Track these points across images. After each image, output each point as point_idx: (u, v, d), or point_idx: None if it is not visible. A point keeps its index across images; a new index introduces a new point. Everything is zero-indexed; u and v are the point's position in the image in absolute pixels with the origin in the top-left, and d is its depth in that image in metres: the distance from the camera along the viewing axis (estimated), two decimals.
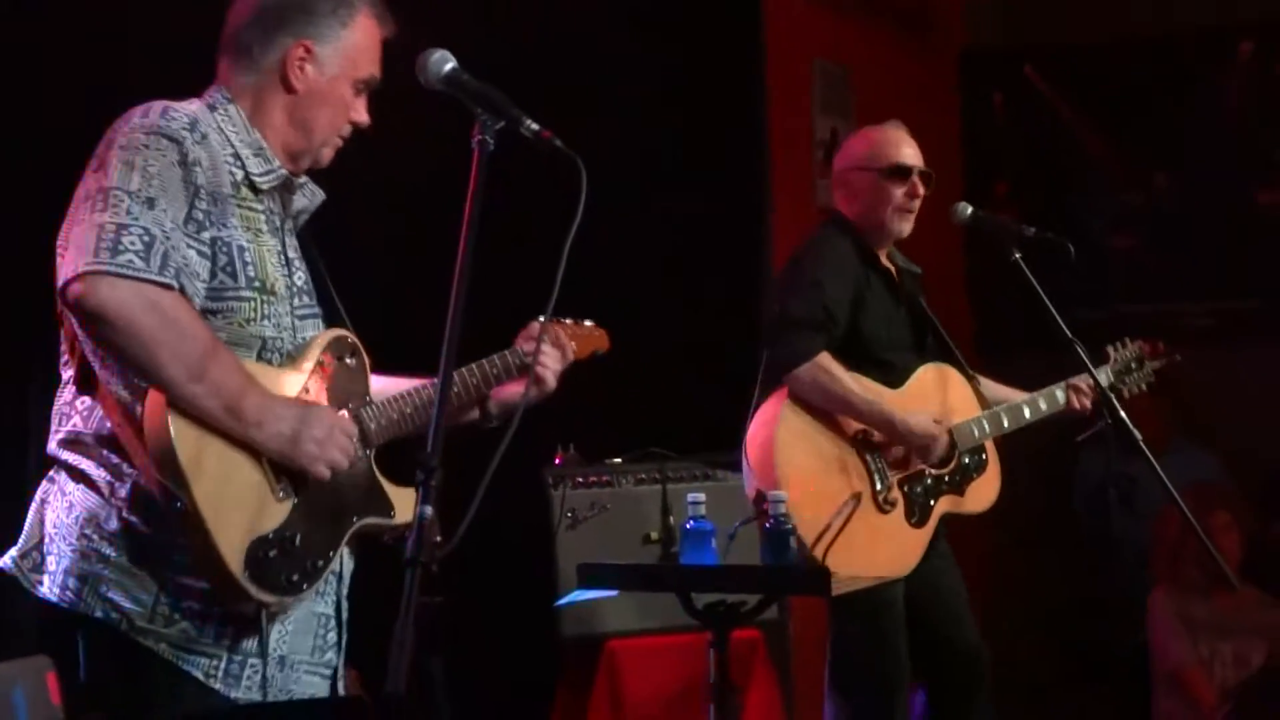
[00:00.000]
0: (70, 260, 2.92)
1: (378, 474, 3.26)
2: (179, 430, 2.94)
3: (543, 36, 6.01)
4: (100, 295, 2.89)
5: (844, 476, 4.69)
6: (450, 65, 3.02)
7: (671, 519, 5.39)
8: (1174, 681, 6.47)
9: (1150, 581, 6.70)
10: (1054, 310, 4.71)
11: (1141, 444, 4.57)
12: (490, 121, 2.92)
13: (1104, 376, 5.02)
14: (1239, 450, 7.51)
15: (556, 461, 5.55)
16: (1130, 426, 4.63)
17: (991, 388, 5.14)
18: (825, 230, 4.99)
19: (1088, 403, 5.03)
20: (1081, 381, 5.02)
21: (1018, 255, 4.79)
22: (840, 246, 4.89)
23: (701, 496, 4.32)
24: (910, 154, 4.96)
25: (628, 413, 6.15)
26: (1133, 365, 5.23)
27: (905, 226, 4.95)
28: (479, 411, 3.51)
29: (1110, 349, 5.21)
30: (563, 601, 5.26)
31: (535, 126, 2.98)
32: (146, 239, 2.93)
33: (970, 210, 4.90)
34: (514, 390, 3.47)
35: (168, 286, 2.94)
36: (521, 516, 5.33)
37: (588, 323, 3.78)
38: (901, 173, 4.91)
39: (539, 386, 3.42)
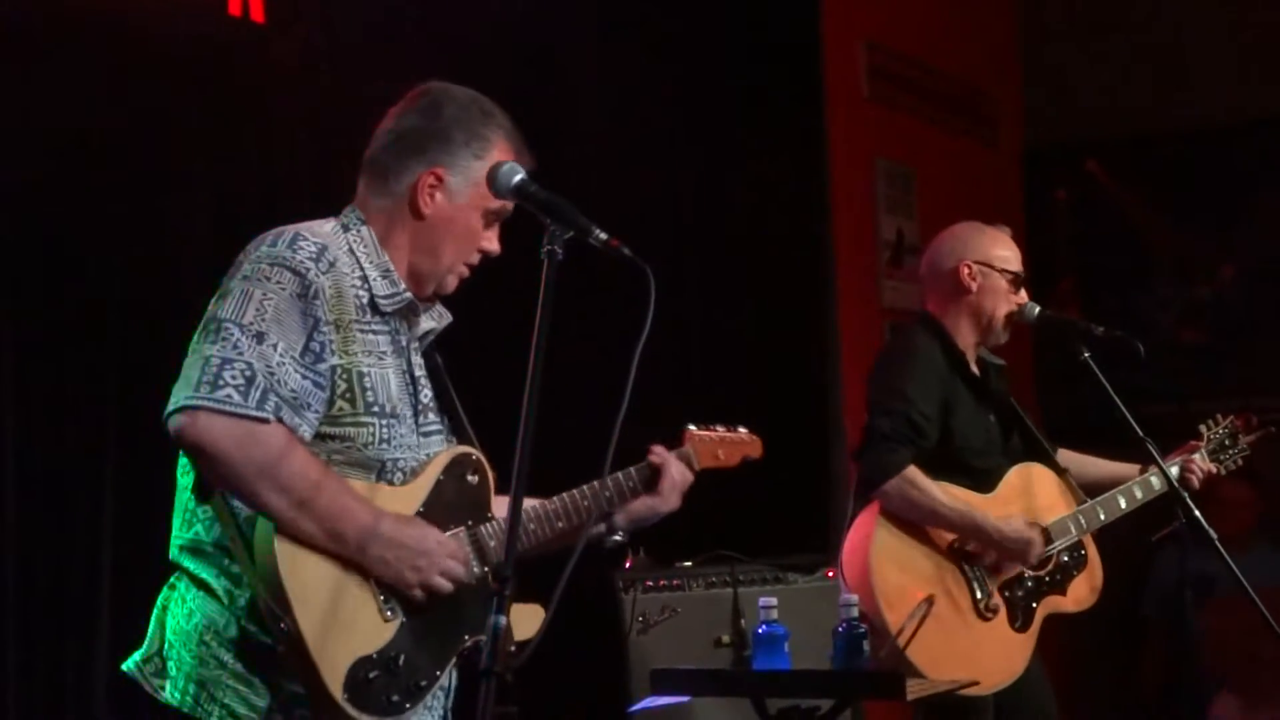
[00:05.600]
0: (175, 391, 2.99)
1: None
2: (284, 553, 2.99)
3: (601, 144, 6.05)
4: (197, 429, 2.96)
5: (942, 589, 4.63)
6: (519, 176, 3.08)
7: (743, 622, 5.36)
8: None
9: (1219, 682, 6.60)
10: (1124, 408, 4.68)
11: (1217, 543, 4.53)
12: (559, 231, 2.95)
13: (1199, 459, 4.99)
14: None
15: (627, 565, 5.54)
16: (1205, 525, 4.59)
17: (1086, 463, 5.09)
18: (914, 332, 4.94)
19: (1197, 478, 4.98)
20: (1190, 459, 4.98)
21: (1087, 354, 4.77)
22: (930, 352, 4.83)
23: (773, 600, 4.31)
24: None
25: (697, 515, 6.12)
26: (1226, 442, 5.16)
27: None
28: (605, 525, 3.49)
29: (1203, 427, 5.14)
30: (635, 708, 5.23)
31: (604, 235, 2.99)
32: (249, 373, 2.98)
33: (1038, 310, 4.88)
34: (643, 504, 3.50)
35: (264, 420, 2.98)
36: (592, 621, 5.32)
37: (741, 430, 3.76)
38: (1021, 282, 4.91)
39: (664, 507, 3.46)
